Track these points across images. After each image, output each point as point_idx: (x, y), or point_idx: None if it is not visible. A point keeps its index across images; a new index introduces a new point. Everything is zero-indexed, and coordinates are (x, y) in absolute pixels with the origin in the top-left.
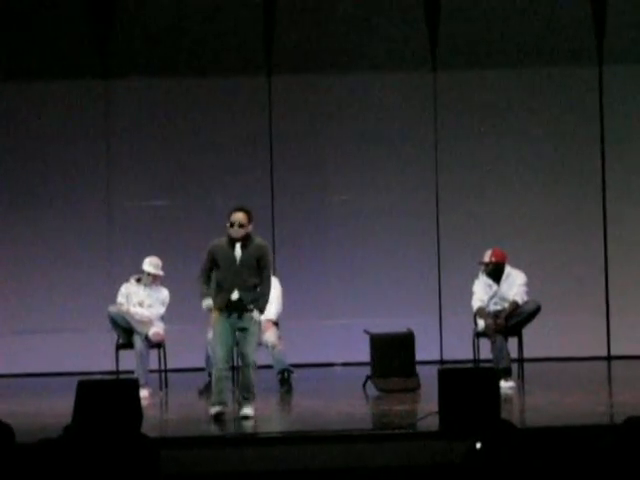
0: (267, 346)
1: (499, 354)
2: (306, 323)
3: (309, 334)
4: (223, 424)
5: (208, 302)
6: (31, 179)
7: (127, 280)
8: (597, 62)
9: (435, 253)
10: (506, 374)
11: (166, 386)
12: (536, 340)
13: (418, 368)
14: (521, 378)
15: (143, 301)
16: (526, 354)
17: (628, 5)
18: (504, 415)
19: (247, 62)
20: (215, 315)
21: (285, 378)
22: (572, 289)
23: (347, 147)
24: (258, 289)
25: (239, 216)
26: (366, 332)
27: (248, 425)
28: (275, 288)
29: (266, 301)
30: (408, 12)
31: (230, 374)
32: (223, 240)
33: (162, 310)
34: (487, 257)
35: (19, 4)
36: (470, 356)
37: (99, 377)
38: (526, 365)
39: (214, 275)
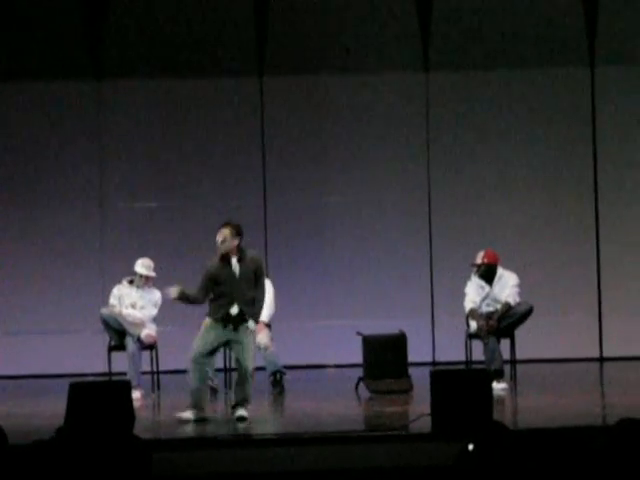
0: (259, 348)
1: (491, 355)
2: (298, 325)
3: (301, 336)
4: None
5: (174, 289)
6: (23, 180)
7: (119, 282)
8: (589, 63)
9: (427, 254)
10: (498, 375)
11: (158, 388)
12: (528, 341)
13: (410, 370)
14: (513, 379)
15: (135, 303)
16: (518, 355)
17: (619, 6)
18: (496, 417)
19: (240, 63)
20: (209, 322)
21: (277, 380)
22: (564, 290)
23: (339, 147)
24: (253, 302)
25: (223, 231)
26: (358, 333)
27: (241, 427)
28: (267, 290)
29: (261, 309)
30: (400, 13)
31: (207, 374)
32: (215, 259)
33: (154, 312)
34: (479, 258)
35: (11, 4)
36: (462, 357)
37: (91, 379)
38: (518, 366)
39: (212, 291)
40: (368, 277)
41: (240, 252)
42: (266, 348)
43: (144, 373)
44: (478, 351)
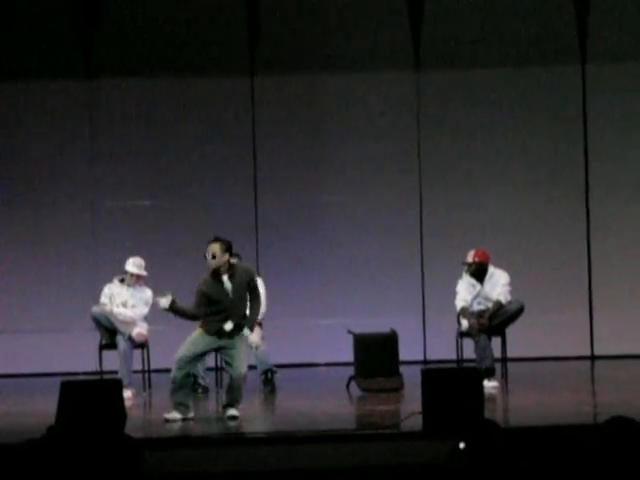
0: (251, 347)
1: (482, 354)
2: (289, 323)
3: (293, 334)
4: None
5: (166, 300)
6: (14, 179)
7: (110, 280)
8: (580, 61)
9: (418, 253)
10: (489, 374)
11: (149, 386)
12: (519, 340)
13: (401, 368)
14: (504, 378)
15: (126, 301)
16: (509, 354)
17: (611, 4)
18: (487, 415)
19: (231, 62)
20: (202, 331)
21: (269, 378)
22: (555, 289)
23: (330, 147)
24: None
25: (212, 247)
26: (350, 332)
27: (232, 425)
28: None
29: (256, 317)
30: (391, 12)
31: (191, 379)
32: (207, 276)
33: (145, 310)
34: (470, 257)
35: (2, 3)
36: (453, 356)
37: (82, 377)
38: (509, 365)
39: (207, 307)
40: (359, 276)
41: (230, 268)
42: (257, 347)
43: (135, 372)
44: (469, 349)
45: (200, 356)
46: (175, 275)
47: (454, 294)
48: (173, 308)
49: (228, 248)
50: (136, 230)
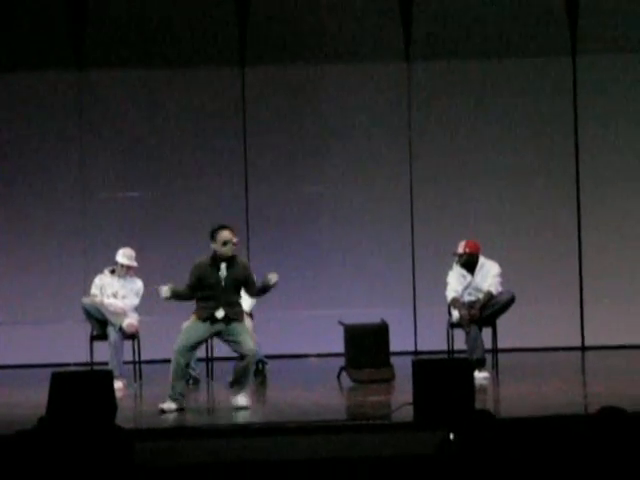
0: None
1: (473, 344)
2: (280, 314)
3: (283, 325)
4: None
5: (167, 290)
6: (4, 170)
7: (101, 271)
8: (570, 52)
9: (409, 244)
10: (480, 365)
11: (140, 377)
12: (510, 330)
13: (392, 359)
14: (495, 368)
15: (117, 292)
16: (500, 344)
17: None
18: (478, 406)
19: (221, 53)
20: (194, 318)
21: (259, 369)
22: (546, 280)
23: (321, 138)
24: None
25: (228, 234)
26: (340, 323)
27: (234, 416)
28: None
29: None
30: (382, 3)
31: (189, 369)
32: (206, 260)
33: (136, 301)
34: (461, 248)
35: None
36: (444, 347)
37: (73, 368)
38: (500, 355)
39: (199, 290)
40: (350, 266)
41: (231, 258)
42: None
43: (126, 363)
44: (460, 340)
45: (198, 344)
46: (165, 266)
47: (445, 285)
48: (174, 294)
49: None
50: (126, 221)
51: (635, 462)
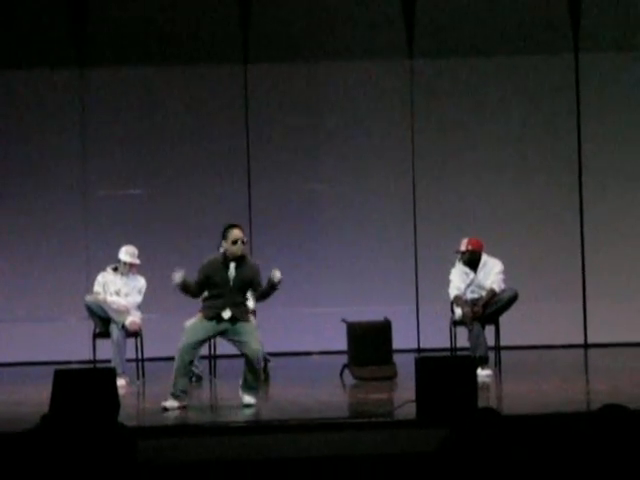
0: None
1: (476, 342)
2: (283, 311)
3: (286, 322)
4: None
5: (179, 276)
6: (5, 168)
7: (104, 269)
8: (573, 49)
9: (412, 241)
10: (483, 362)
11: (143, 375)
12: (513, 328)
13: (395, 356)
14: (498, 366)
15: (120, 290)
16: (503, 342)
17: None
18: (481, 403)
19: (223, 50)
20: (201, 316)
21: (262, 367)
22: (549, 277)
23: (323, 135)
24: (245, 304)
25: (238, 233)
26: (343, 320)
27: (236, 413)
28: None
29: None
30: (385, 1)
31: (191, 367)
32: (216, 259)
33: (139, 299)
34: (464, 245)
35: None
36: (447, 344)
37: (76, 366)
38: (503, 353)
39: (207, 289)
40: (353, 264)
41: (240, 258)
42: None
43: (129, 360)
44: (463, 338)
45: (203, 342)
46: (168, 263)
47: (447, 282)
48: (184, 284)
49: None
50: (129, 219)
51: (638, 460)
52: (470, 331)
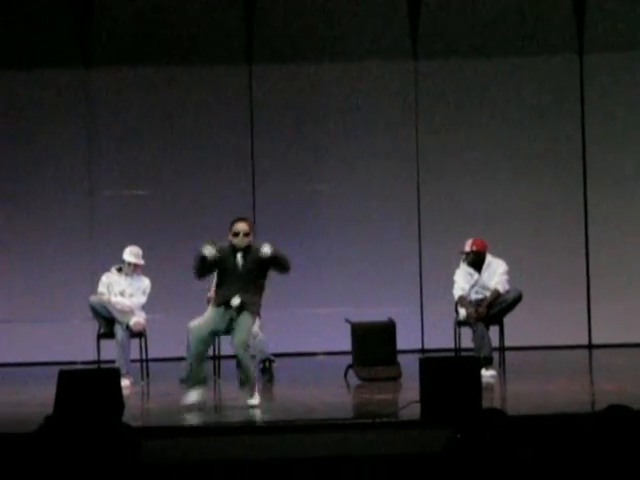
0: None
1: (480, 342)
2: (287, 312)
3: (290, 323)
4: (202, 413)
5: (210, 249)
6: (11, 169)
7: (108, 270)
8: (578, 51)
9: (416, 242)
10: (487, 363)
11: (147, 376)
12: (517, 329)
13: (399, 357)
14: (502, 367)
15: (124, 290)
16: (507, 343)
17: None
18: (485, 404)
19: (228, 50)
20: (212, 305)
21: (267, 367)
22: (553, 278)
23: (328, 135)
24: (257, 293)
25: (243, 226)
26: (347, 321)
27: (241, 414)
28: None
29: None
30: (389, 1)
31: (207, 356)
32: (227, 247)
33: (143, 299)
34: (468, 246)
35: None
36: (451, 345)
37: (80, 367)
38: (507, 354)
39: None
40: (357, 265)
41: (247, 248)
42: (255, 336)
43: (133, 361)
44: (467, 338)
45: (215, 332)
46: (173, 264)
47: (452, 283)
48: (210, 259)
49: (252, 227)
50: (133, 219)
51: None
52: (474, 332)
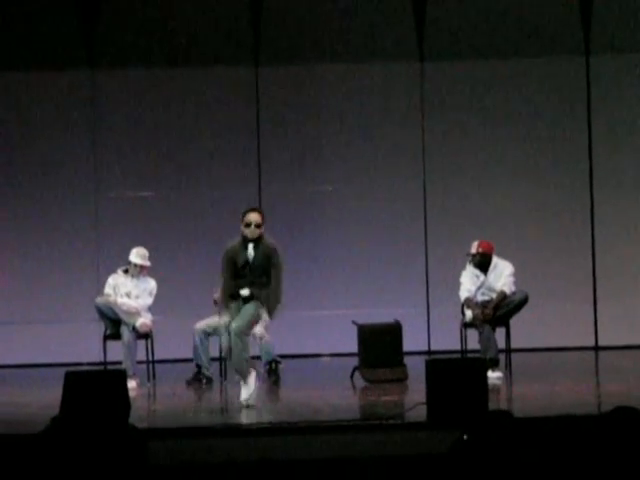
0: (255, 337)
1: (487, 344)
2: (293, 314)
3: (297, 325)
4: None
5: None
6: (18, 170)
7: (114, 271)
8: (584, 52)
9: (423, 243)
10: (493, 364)
11: (154, 377)
12: (524, 330)
13: (406, 359)
14: (508, 368)
15: (130, 292)
16: (513, 344)
17: None
18: (491, 405)
19: (234, 52)
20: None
21: (273, 369)
22: (559, 279)
23: (334, 137)
24: (267, 286)
25: (255, 216)
26: (354, 323)
27: (247, 415)
28: None
29: (276, 301)
30: (396, 3)
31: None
32: (236, 241)
33: (149, 301)
34: (474, 248)
35: None
36: (458, 346)
37: (87, 368)
38: (513, 355)
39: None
40: (363, 266)
41: (259, 239)
42: (261, 337)
43: (139, 362)
44: (473, 340)
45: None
46: (178, 265)
47: (458, 285)
48: (227, 300)
49: (264, 218)
50: (139, 221)
51: None
52: (480, 333)
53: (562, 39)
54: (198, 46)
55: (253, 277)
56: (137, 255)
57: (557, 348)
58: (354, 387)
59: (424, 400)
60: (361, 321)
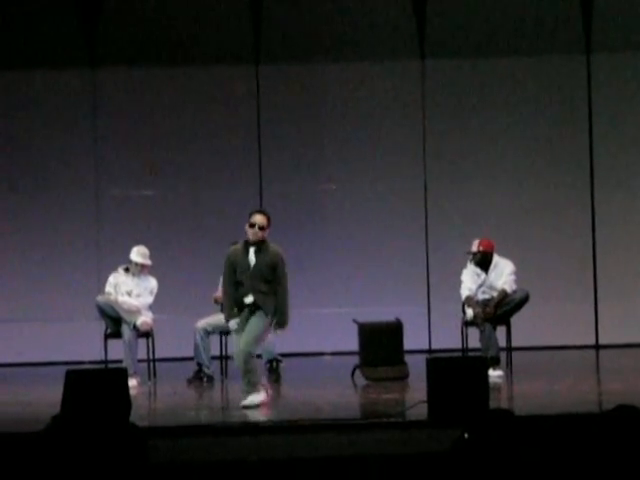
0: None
1: (488, 343)
2: (294, 312)
3: (297, 323)
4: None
5: (234, 324)
6: (19, 168)
7: (115, 270)
8: (585, 49)
9: (423, 242)
10: (494, 363)
11: (155, 375)
12: (524, 329)
13: (406, 357)
14: (509, 367)
15: (131, 290)
16: (514, 343)
17: None
18: (492, 404)
19: (235, 51)
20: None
21: (274, 367)
22: (560, 278)
23: (335, 136)
24: (270, 294)
25: (259, 218)
26: (354, 321)
27: (238, 414)
28: None
29: (284, 314)
30: (395, 1)
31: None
32: (239, 245)
33: (150, 299)
34: (475, 246)
35: None
36: (459, 345)
37: (88, 366)
38: (514, 354)
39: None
40: (364, 265)
41: (262, 243)
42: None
43: (140, 361)
44: (474, 338)
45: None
46: (179, 264)
47: (459, 283)
48: (229, 309)
49: (271, 222)
50: (140, 219)
51: None
52: (481, 332)
53: (563, 37)
54: (199, 46)
55: (253, 284)
56: (138, 254)
57: (558, 347)
58: (355, 385)
59: (425, 398)
60: (362, 319)
